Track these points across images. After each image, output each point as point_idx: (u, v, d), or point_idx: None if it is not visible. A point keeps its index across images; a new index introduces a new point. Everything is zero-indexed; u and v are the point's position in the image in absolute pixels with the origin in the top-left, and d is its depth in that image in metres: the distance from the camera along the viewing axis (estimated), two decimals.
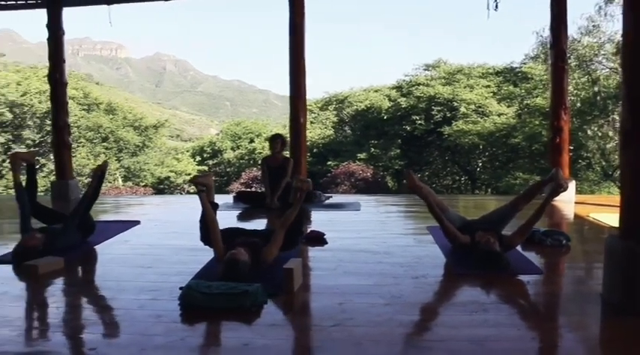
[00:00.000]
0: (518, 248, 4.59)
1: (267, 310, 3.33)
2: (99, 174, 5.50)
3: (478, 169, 23.20)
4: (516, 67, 24.10)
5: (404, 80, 25.92)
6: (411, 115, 22.97)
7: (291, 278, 3.61)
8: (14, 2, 9.00)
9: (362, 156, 22.35)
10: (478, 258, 4.12)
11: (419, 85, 24.05)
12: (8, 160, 23.47)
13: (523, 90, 21.96)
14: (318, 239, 5.20)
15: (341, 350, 2.77)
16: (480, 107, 22.06)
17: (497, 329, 3.00)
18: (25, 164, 5.57)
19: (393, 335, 2.92)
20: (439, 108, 22.47)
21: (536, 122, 19.09)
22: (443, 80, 24.13)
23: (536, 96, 20.60)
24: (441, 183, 24.54)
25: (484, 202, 9.64)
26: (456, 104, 22.18)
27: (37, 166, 19.13)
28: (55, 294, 4.05)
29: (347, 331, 2.98)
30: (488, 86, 23.54)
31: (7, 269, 4.52)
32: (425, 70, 26.21)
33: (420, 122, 22.62)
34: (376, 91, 26.33)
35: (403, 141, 23.26)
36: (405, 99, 23.78)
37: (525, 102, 21.43)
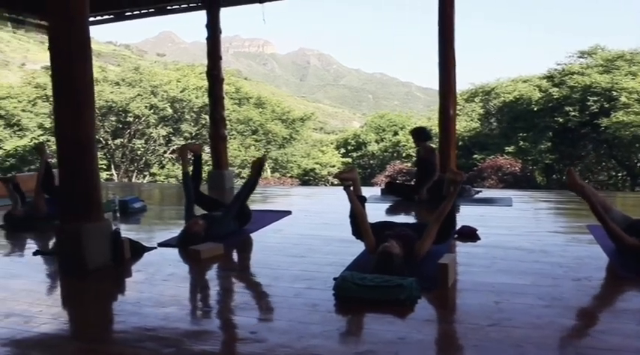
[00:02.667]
0: None
1: (421, 305, 3.30)
2: (257, 166, 5.76)
3: (639, 164, 21.40)
4: None
5: (556, 69, 24.46)
6: (564, 106, 21.65)
7: (445, 273, 3.55)
8: (177, 6, 9.66)
9: (510, 149, 21.47)
10: None
11: (573, 73, 22.59)
12: (170, 152, 25.43)
13: None
14: (471, 234, 5.07)
15: (499, 351, 2.67)
16: None
17: None
18: (192, 155, 5.99)
19: (557, 340, 2.77)
20: (595, 98, 20.96)
21: None
22: (600, 68, 22.43)
23: None
24: (595, 179, 22.92)
25: None
26: (615, 93, 20.53)
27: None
28: (216, 278, 4.31)
29: (505, 331, 2.87)
30: None
31: (174, 252, 4.89)
32: (579, 57, 24.55)
33: (573, 113, 21.25)
34: (525, 82, 25.12)
35: (554, 134, 22.00)
36: (557, 89, 22.46)
37: None
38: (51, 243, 5.43)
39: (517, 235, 5.20)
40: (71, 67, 4.30)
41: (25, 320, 3.24)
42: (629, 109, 19.55)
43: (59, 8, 4.27)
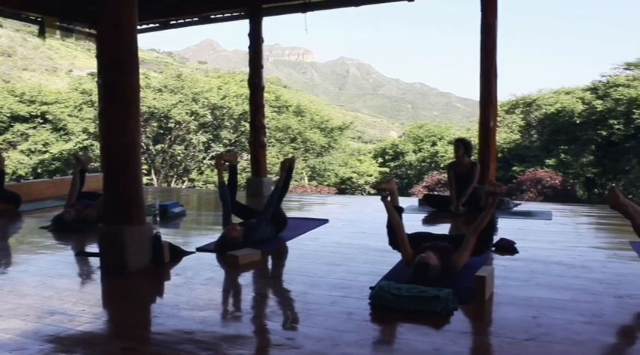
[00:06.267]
0: None
1: (457, 317, 3.28)
2: (287, 167, 5.79)
3: None
4: None
5: (600, 81, 23.97)
6: (608, 119, 21.17)
7: (482, 286, 3.53)
8: (221, 15, 9.83)
9: (550, 162, 21.10)
10: None
11: (618, 86, 22.09)
12: (209, 158, 25.76)
13: None
14: (509, 247, 5.01)
15: None
16: None
17: None
18: (227, 164, 6.08)
19: None
20: None
21: None
22: None
23: None
24: None
25: None
26: None
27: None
28: (252, 284, 4.36)
29: (543, 347, 2.84)
30: None
31: (212, 257, 4.97)
32: (626, 69, 24.01)
33: (617, 127, 20.77)
34: (567, 93, 24.67)
35: (597, 147, 21.54)
36: (601, 101, 21.99)
37: None
38: (95, 245, 5.57)
39: (557, 249, 5.12)
40: (120, 75, 4.44)
41: (69, 319, 3.35)
42: None
43: (110, 17, 4.42)
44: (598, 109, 21.77)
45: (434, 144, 30.28)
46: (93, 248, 5.29)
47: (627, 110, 20.81)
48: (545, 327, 3.09)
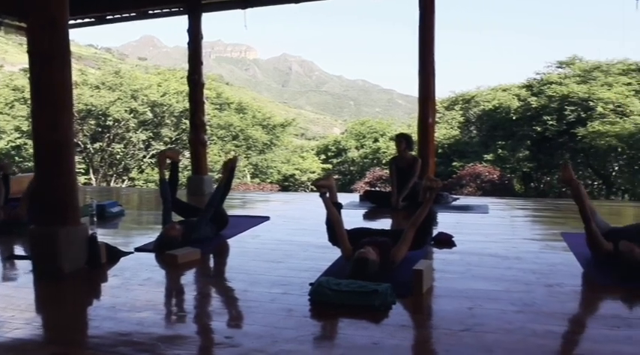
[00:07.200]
0: None
1: (396, 310, 3.33)
2: (229, 167, 5.75)
3: (614, 173, 21.70)
4: None
5: (535, 79, 24.76)
6: (542, 115, 21.91)
7: (420, 279, 3.60)
8: (159, 11, 9.64)
9: (488, 157, 21.65)
10: (621, 269, 3.86)
11: (551, 83, 22.87)
12: (150, 156, 25.28)
13: None
14: (447, 241, 5.12)
15: None
16: (619, 106, 20.57)
17: None
18: (170, 161, 5.98)
19: (527, 344, 2.82)
20: (573, 108, 21.23)
21: None
22: (578, 78, 22.76)
23: None
24: None
25: (620, 209, 9.02)
26: (592, 103, 20.84)
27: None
28: (192, 283, 4.31)
29: (477, 337, 2.92)
30: (630, 84, 21.86)
31: (151, 257, 4.88)
32: (558, 67, 24.88)
33: (551, 123, 21.51)
34: (504, 90, 25.37)
35: (532, 143, 22.25)
36: (535, 98, 22.72)
37: None
38: (25, 248, 5.38)
39: (492, 242, 5.27)
40: (50, 70, 4.29)
41: None
42: (605, 119, 19.88)
43: (39, 11, 4.26)
44: (533, 106, 22.50)
45: (376, 140, 30.65)
46: (23, 251, 5.11)
47: (560, 107, 21.58)
48: (480, 318, 3.17)
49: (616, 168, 21.59)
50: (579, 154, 22.08)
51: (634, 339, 2.89)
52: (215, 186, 5.99)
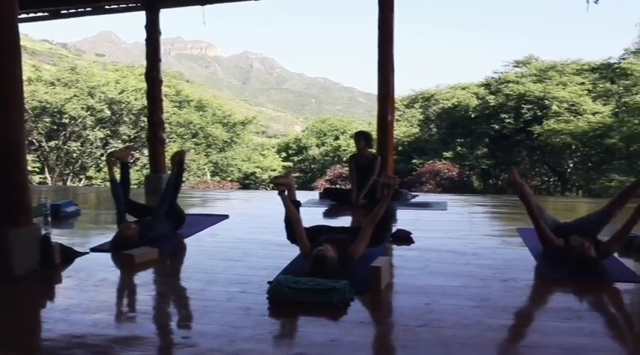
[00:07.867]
0: (615, 254, 4.37)
1: (354, 307, 3.34)
2: (177, 160, 5.66)
3: (569, 170, 22.26)
4: (614, 63, 22.83)
5: (493, 77, 25.21)
6: (500, 114, 22.32)
7: (378, 276, 3.61)
8: (116, 6, 9.44)
9: (448, 154, 21.95)
10: (572, 263, 3.96)
11: (508, 82, 23.32)
12: (107, 155, 24.83)
13: (621, 88, 20.79)
14: (405, 238, 5.16)
15: (428, 351, 2.75)
16: (573, 105, 21.11)
17: (592, 338, 2.87)
18: (119, 162, 5.86)
19: (482, 339, 2.86)
20: (529, 106, 21.70)
21: (636, 121, 18.04)
22: (534, 77, 23.25)
23: (636, 94, 19.44)
24: (529, 184, 23.57)
25: (574, 204, 9.26)
26: (547, 102, 21.33)
27: (132, 161, 19.96)
28: (149, 283, 4.25)
29: (434, 332, 2.95)
30: (583, 83, 22.47)
31: (107, 257, 4.78)
32: (515, 66, 25.37)
33: (508, 120, 21.94)
34: (463, 89, 25.74)
35: (491, 140, 22.65)
36: (493, 97, 23.13)
37: (623, 100, 20.28)
38: None
39: (450, 238, 5.33)
40: None
41: None
42: (560, 118, 20.37)
43: None
44: (491, 104, 22.89)
45: (337, 138, 30.77)
46: None
47: (517, 105, 22.02)
48: (437, 313, 3.21)
49: (571, 165, 22.14)
50: (536, 152, 22.57)
51: (584, 331, 2.96)
52: None
